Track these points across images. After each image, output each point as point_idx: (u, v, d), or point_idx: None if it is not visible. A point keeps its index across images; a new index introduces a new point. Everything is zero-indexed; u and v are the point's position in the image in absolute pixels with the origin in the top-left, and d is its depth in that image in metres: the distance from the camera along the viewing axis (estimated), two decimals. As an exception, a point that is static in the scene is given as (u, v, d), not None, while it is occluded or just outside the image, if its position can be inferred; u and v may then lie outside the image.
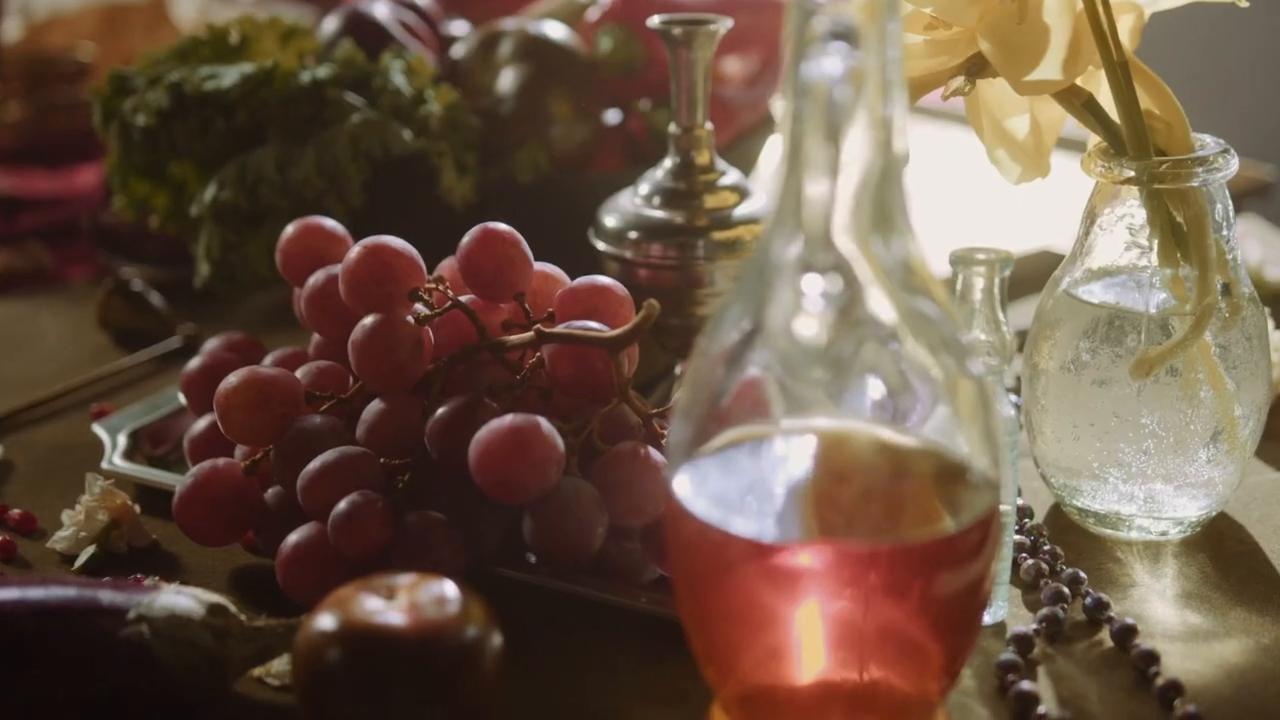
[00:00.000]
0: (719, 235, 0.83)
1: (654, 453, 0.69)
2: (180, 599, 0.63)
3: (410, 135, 0.90)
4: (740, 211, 0.83)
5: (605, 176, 0.96)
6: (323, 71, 0.91)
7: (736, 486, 0.57)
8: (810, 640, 0.57)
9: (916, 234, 0.55)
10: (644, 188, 0.85)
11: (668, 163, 0.84)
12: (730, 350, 0.57)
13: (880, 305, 0.55)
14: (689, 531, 0.58)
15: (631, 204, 0.84)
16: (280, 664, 0.66)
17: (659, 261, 0.83)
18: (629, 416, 0.71)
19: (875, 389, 0.56)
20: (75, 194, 1.24)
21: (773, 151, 1.18)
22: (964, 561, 0.56)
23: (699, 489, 0.57)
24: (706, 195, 0.83)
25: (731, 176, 0.84)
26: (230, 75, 0.90)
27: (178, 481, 0.78)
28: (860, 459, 0.56)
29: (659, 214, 0.83)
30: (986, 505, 0.56)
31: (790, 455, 0.57)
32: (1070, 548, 0.75)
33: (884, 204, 0.55)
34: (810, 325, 0.54)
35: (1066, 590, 0.70)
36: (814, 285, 0.53)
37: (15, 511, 0.79)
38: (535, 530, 0.68)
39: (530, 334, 0.71)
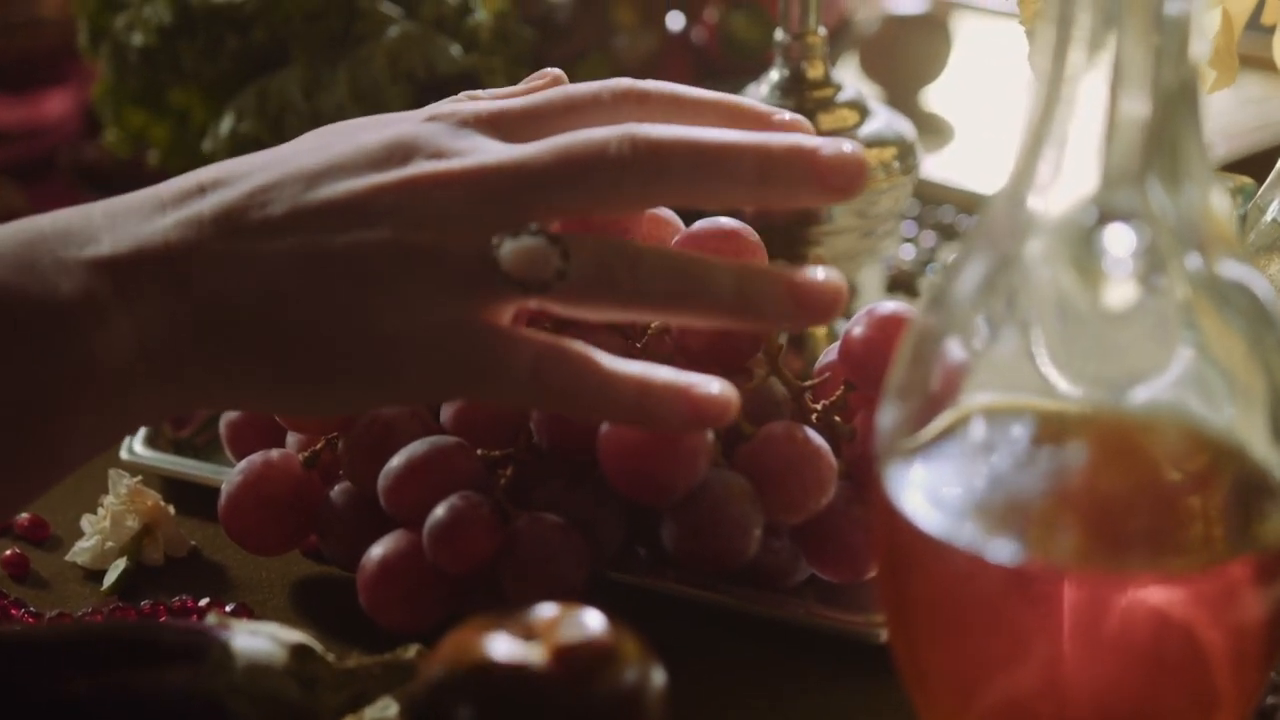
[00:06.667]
0: (838, 161, 0.70)
1: (813, 435, 0.57)
2: (258, 642, 0.51)
3: (459, 50, 0.77)
4: (863, 133, 0.71)
5: (678, 93, 0.83)
6: (353, -23, 0.77)
7: (974, 489, 0.45)
8: (1073, 681, 0.45)
9: (1214, 179, 0.43)
10: (746, 107, 0.72)
11: (774, 76, 0.72)
12: (965, 319, 0.45)
13: (1172, 266, 0.43)
14: (910, 547, 0.46)
15: (731, 126, 0.72)
16: (374, 711, 0.54)
17: (767, 194, 0.70)
18: (775, 391, 0.59)
19: (1161, 370, 0.44)
20: (46, 124, 1.10)
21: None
22: (1269, 590, 0.44)
23: (922, 491, 0.46)
24: (821, 114, 0.71)
25: (850, 92, 0.72)
26: (244, -16, 0.77)
27: (217, 473, 0.66)
28: (1141, 458, 0.45)
29: (765, 138, 0.71)
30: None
31: (1048, 451, 0.45)
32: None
33: (1172, 137, 0.42)
34: (1095, 288, 0.42)
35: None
36: (1109, 237, 0.41)
37: (23, 516, 0.66)
38: (679, 535, 0.56)
39: (657, 293, 0.58)
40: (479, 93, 0.58)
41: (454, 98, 0.58)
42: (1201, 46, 0.42)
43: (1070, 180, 0.43)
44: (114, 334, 0.51)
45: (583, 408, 0.53)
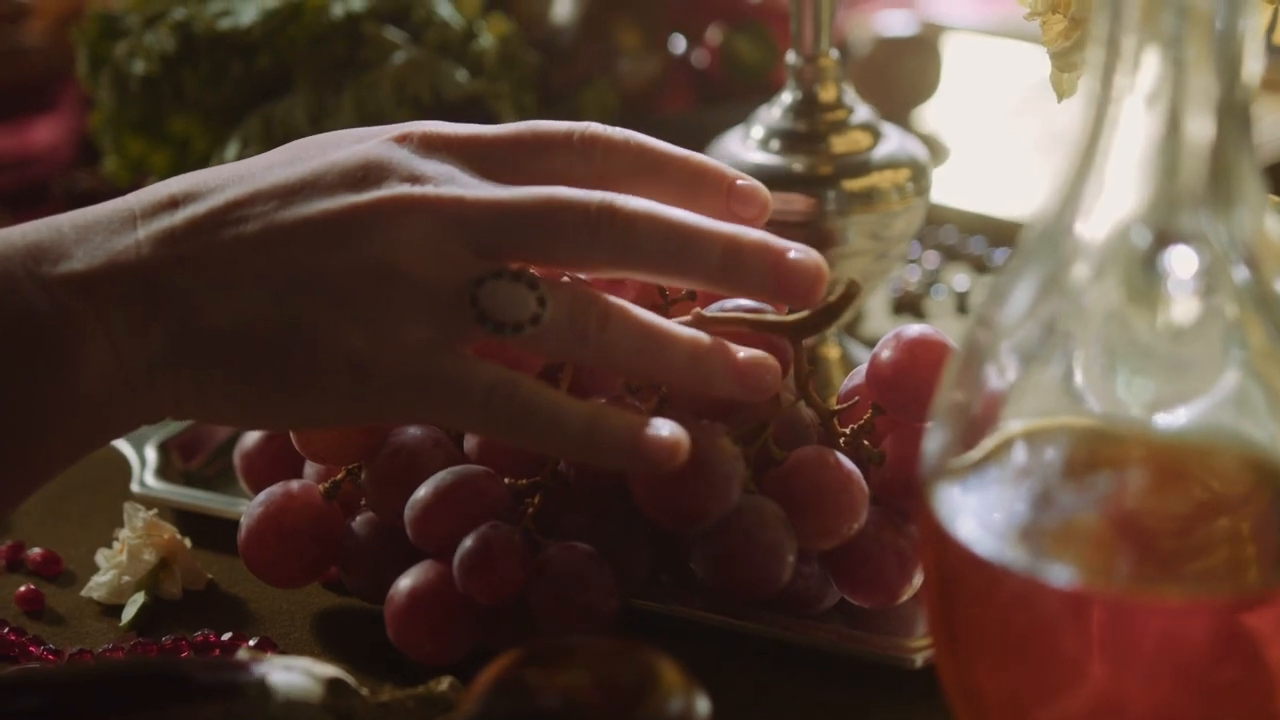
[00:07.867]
0: (851, 184, 0.70)
1: (844, 460, 0.56)
2: (293, 677, 0.50)
3: (464, 75, 0.76)
4: (876, 155, 0.71)
5: (681, 117, 0.83)
6: (358, 3, 0.77)
7: (1023, 512, 0.45)
8: (1127, 704, 0.45)
9: (1267, 198, 0.43)
10: (757, 130, 0.72)
11: (786, 98, 0.71)
12: (1011, 342, 0.45)
13: (1224, 286, 0.43)
14: (961, 570, 0.45)
15: (742, 149, 0.72)
16: (408, 743, 0.53)
17: (780, 217, 0.70)
18: (803, 415, 0.58)
19: (1210, 390, 0.44)
20: (35, 153, 1.09)
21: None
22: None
23: (971, 514, 0.45)
24: (834, 137, 0.71)
25: (863, 114, 0.72)
26: (248, 11, 0.76)
27: (232, 505, 0.65)
28: (1190, 478, 0.44)
29: (777, 160, 0.71)
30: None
31: (1097, 473, 0.45)
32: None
33: (1222, 160, 0.42)
34: (1147, 310, 0.42)
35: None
36: (1168, 259, 0.41)
37: (35, 551, 0.65)
38: (711, 562, 0.55)
39: (685, 318, 0.58)
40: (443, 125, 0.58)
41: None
42: (1256, 66, 0.41)
43: (1118, 202, 0.43)
44: (91, 351, 0.52)
45: (531, 438, 0.53)
